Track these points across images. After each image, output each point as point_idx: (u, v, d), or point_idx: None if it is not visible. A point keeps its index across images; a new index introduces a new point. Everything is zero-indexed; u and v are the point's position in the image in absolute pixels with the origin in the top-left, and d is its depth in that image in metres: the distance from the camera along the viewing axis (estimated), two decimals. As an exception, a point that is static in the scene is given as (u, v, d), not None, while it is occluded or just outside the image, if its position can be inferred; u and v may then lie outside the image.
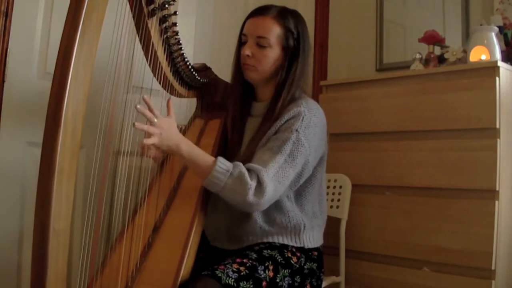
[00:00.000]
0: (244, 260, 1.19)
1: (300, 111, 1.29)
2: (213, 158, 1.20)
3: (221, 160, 1.18)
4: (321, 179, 1.41)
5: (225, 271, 1.11)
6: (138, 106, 1.08)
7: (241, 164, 1.20)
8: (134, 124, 1.06)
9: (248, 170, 1.19)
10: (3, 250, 1.48)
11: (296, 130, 1.26)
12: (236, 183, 1.17)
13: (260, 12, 1.36)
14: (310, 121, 1.29)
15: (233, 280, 1.10)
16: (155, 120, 1.13)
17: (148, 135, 1.13)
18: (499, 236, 1.58)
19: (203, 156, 1.20)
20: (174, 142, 1.17)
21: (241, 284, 1.11)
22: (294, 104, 1.32)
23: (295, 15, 1.38)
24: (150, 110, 1.13)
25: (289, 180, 1.25)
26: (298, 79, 1.36)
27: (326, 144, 1.39)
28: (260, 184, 1.18)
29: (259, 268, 1.19)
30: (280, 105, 1.32)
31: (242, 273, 1.14)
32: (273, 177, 1.20)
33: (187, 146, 1.19)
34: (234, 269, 1.14)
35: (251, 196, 1.17)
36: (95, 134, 1.05)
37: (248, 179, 1.17)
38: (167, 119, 1.18)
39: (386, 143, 1.87)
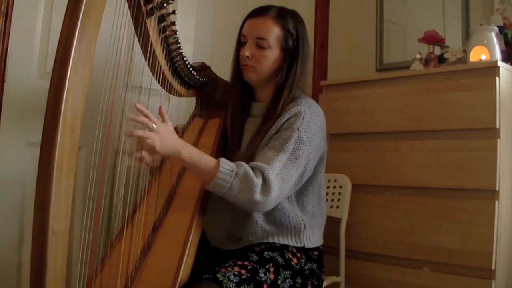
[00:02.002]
0: (245, 263, 1.19)
1: (300, 110, 1.29)
2: (215, 160, 1.18)
3: (224, 161, 1.17)
4: (321, 179, 1.41)
5: (227, 275, 1.11)
6: (130, 116, 1.07)
7: (244, 163, 1.19)
8: (131, 133, 1.04)
9: (252, 168, 1.18)
10: (3, 250, 1.48)
11: (298, 129, 1.26)
12: (242, 183, 1.15)
13: (259, 13, 1.36)
14: (310, 120, 1.29)
15: (234, 284, 1.10)
16: (154, 126, 1.10)
17: (145, 140, 1.09)
18: (499, 236, 1.57)
19: (205, 159, 1.18)
20: (174, 148, 1.14)
21: (242, 287, 1.11)
22: (294, 103, 1.32)
23: (294, 15, 1.38)
24: (146, 116, 1.10)
25: (293, 179, 1.24)
26: (298, 80, 1.36)
27: (326, 144, 1.39)
28: (265, 181, 1.17)
29: (260, 270, 1.19)
30: (281, 106, 1.32)
31: (243, 277, 1.13)
32: (278, 175, 1.19)
33: (188, 150, 1.17)
34: (235, 273, 1.13)
35: (258, 195, 1.15)
36: (94, 134, 1.05)
37: (254, 177, 1.16)
38: (165, 125, 1.15)
39: (386, 143, 1.87)
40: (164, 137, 1.12)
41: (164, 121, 1.20)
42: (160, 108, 1.21)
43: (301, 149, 1.25)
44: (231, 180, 1.15)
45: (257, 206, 1.18)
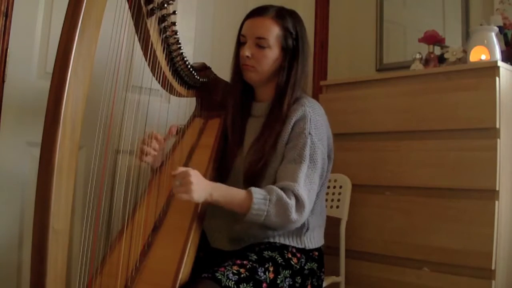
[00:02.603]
0: (244, 262, 1.19)
1: (305, 112, 1.30)
2: (245, 192, 1.19)
3: (255, 191, 1.19)
4: (325, 179, 1.42)
5: (225, 274, 1.11)
6: (173, 173, 1.11)
7: (274, 187, 1.21)
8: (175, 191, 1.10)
9: (283, 189, 1.21)
10: (3, 250, 1.48)
11: (309, 133, 1.28)
12: (277, 208, 1.18)
13: (258, 12, 1.36)
14: (317, 121, 1.31)
15: (233, 282, 1.10)
16: (190, 178, 1.11)
17: (183, 190, 1.11)
18: (499, 236, 1.57)
19: (236, 193, 1.20)
20: (207, 192, 1.16)
21: (241, 286, 1.11)
22: (298, 104, 1.33)
23: (293, 15, 1.39)
24: (182, 175, 1.12)
25: (316, 184, 1.28)
26: (300, 80, 1.36)
27: (331, 141, 1.40)
28: (298, 200, 1.20)
29: (259, 269, 1.19)
30: (286, 107, 1.33)
31: (242, 275, 1.14)
32: (304, 187, 1.23)
33: (219, 190, 1.19)
34: (234, 271, 1.13)
35: (294, 215, 1.19)
36: (94, 134, 1.05)
37: (287, 199, 1.19)
38: (195, 171, 1.15)
39: (386, 143, 1.87)
40: (196, 186, 1.12)
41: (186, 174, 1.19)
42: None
43: (317, 153, 1.28)
44: (266, 208, 1.18)
45: (294, 224, 1.23)
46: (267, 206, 1.17)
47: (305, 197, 1.21)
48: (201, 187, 1.14)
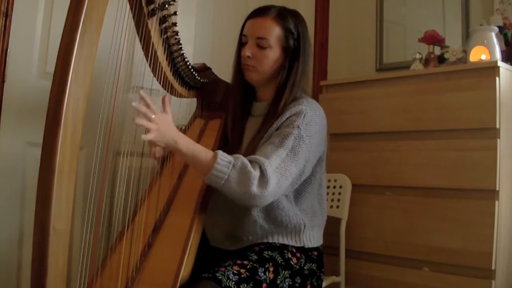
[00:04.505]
0: (245, 262, 1.19)
1: (302, 109, 1.29)
2: (212, 152, 1.17)
3: (221, 153, 1.16)
4: (321, 179, 1.41)
5: (226, 274, 1.11)
6: (134, 103, 1.07)
7: (241, 156, 1.18)
8: (133, 119, 1.05)
9: (250, 161, 1.18)
10: (3, 250, 1.48)
11: (298, 127, 1.26)
12: (239, 174, 1.14)
13: (260, 12, 1.36)
14: (311, 119, 1.29)
15: (233, 282, 1.10)
16: (152, 116, 1.11)
17: (147, 130, 1.11)
18: (499, 236, 1.58)
19: (202, 151, 1.18)
20: (172, 138, 1.14)
21: (241, 286, 1.11)
22: (296, 102, 1.32)
23: (295, 15, 1.38)
24: (147, 106, 1.11)
25: (292, 175, 1.23)
26: (300, 80, 1.36)
27: (326, 144, 1.39)
28: (263, 174, 1.16)
29: (259, 270, 1.19)
30: (282, 105, 1.32)
31: (242, 275, 1.14)
32: (276, 169, 1.18)
33: (185, 141, 1.17)
34: (235, 271, 1.13)
35: (255, 187, 1.14)
36: (95, 134, 1.05)
37: (252, 169, 1.15)
38: (164, 115, 1.17)
39: (386, 143, 1.87)
40: (162, 127, 1.12)
41: (165, 111, 1.21)
42: (163, 98, 1.22)
43: (301, 147, 1.25)
44: (228, 172, 1.14)
45: (254, 199, 1.16)
46: (229, 169, 1.14)
47: (273, 176, 1.16)
48: (167, 130, 1.13)
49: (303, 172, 1.28)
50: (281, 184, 1.21)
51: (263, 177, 1.16)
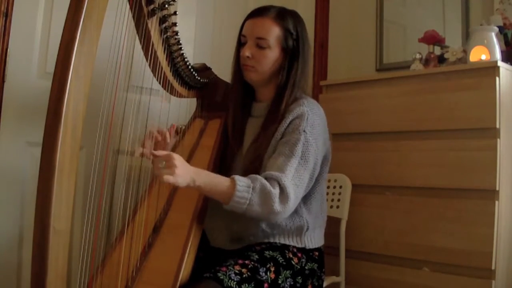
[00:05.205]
0: (246, 262, 1.19)
1: (303, 111, 1.29)
2: (229, 179, 1.17)
3: (239, 178, 1.17)
4: (325, 179, 1.42)
5: (227, 274, 1.11)
6: (153, 152, 1.09)
7: (258, 176, 1.19)
8: (155, 173, 1.08)
9: (267, 178, 1.19)
10: (3, 250, 1.48)
11: (304, 131, 1.27)
12: (260, 196, 1.16)
13: (259, 13, 1.36)
14: (314, 121, 1.30)
15: (235, 282, 1.10)
16: (175, 163, 1.09)
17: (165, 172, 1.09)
18: (499, 236, 1.57)
19: (219, 181, 1.17)
20: (189, 178, 1.13)
21: (243, 286, 1.11)
22: (296, 104, 1.32)
23: (294, 15, 1.39)
24: (165, 157, 1.10)
25: (305, 182, 1.26)
26: (299, 80, 1.36)
27: (329, 143, 1.40)
28: (282, 190, 1.18)
29: (260, 270, 1.19)
30: (284, 107, 1.33)
31: (244, 275, 1.14)
32: (291, 181, 1.20)
33: (201, 177, 1.15)
34: (236, 271, 1.13)
35: (277, 205, 1.16)
36: (95, 134, 1.05)
37: (271, 188, 1.17)
38: (177, 155, 1.13)
39: (386, 143, 1.87)
40: (180, 171, 1.10)
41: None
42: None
43: (309, 151, 1.26)
44: (249, 196, 1.15)
45: (277, 215, 1.20)
46: (250, 194, 1.15)
47: (291, 190, 1.19)
48: (185, 171, 1.12)
49: (314, 174, 1.30)
50: (298, 194, 1.24)
51: (283, 193, 1.18)
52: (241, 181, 1.16)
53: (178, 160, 1.11)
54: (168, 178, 1.08)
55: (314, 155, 1.28)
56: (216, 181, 1.17)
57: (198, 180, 1.14)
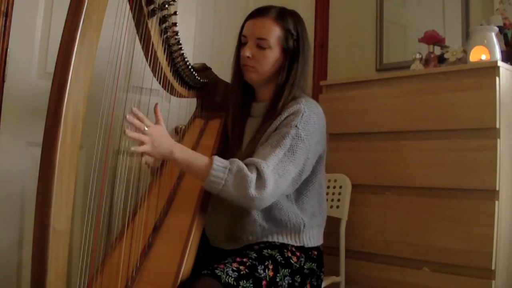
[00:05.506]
0: (244, 259, 1.19)
1: (300, 108, 1.29)
2: (208, 158, 1.18)
3: (217, 159, 1.17)
4: (321, 178, 1.41)
5: (225, 270, 1.11)
6: (127, 116, 1.08)
7: (237, 159, 1.19)
8: (124, 131, 1.05)
9: (247, 164, 1.18)
10: (3, 250, 1.48)
11: (296, 126, 1.26)
12: (236, 178, 1.15)
13: (259, 13, 1.36)
14: (309, 118, 1.29)
15: (233, 279, 1.10)
16: (146, 128, 1.11)
17: (140, 143, 1.11)
18: (499, 236, 1.57)
19: (198, 158, 1.18)
20: (167, 149, 1.15)
21: (241, 283, 1.11)
22: (294, 102, 1.33)
23: (294, 16, 1.39)
24: (140, 119, 1.11)
25: (290, 175, 1.24)
26: (299, 80, 1.36)
27: (325, 143, 1.39)
28: (260, 176, 1.16)
29: (259, 267, 1.19)
30: (281, 105, 1.33)
31: (242, 272, 1.14)
32: (273, 170, 1.19)
33: (180, 151, 1.17)
34: (234, 268, 1.14)
35: (252, 190, 1.15)
36: (95, 134, 1.05)
37: (248, 172, 1.16)
38: (158, 127, 1.16)
39: (386, 143, 1.87)
40: (156, 139, 1.12)
41: (157, 121, 1.20)
42: (155, 106, 1.22)
43: (299, 146, 1.25)
44: (224, 177, 1.15)
45: (253, 201, 1.17)
46: (226, 174, 1.14)
47: (270, 177, 1.17)
48: (161, 141, 1.13)
49: (303, 171, 1.28)
50: (280, 184, 1.21)
51: (260, 179, 1.16)
52: (219, 161, 1.16)
53: (156, 129, 1.12)
54: (136, 148, 1.09)
55: (304, 151, 1.26)
56: (196, 158, 1.18)
57: (177, 153, 1.16)
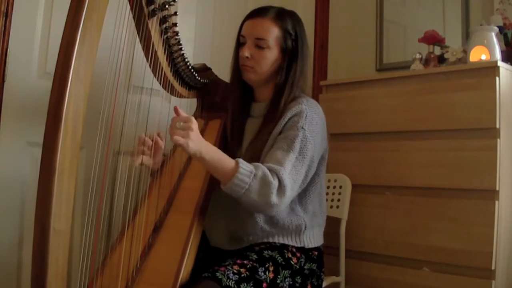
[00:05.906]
0: (245, 261, 1.19)
1: (302, 108, 1.30)
2: (233, 161, 1.17)
3: (243, 162, 1.17)
4: (322, 178, 1.41)
5: (226, 273, 1.11)
6: (175, 118, 1.10)
7: (261, 164, 1.19)
8: (169, 133, 1.07)
9: (268, 169, 1.18)
10: (3, 250, 1.48)
11: (302, 128, 1.27)
12: (261, 184, 1.15)
13: (258, 13, 1.36)
14: (312, 119, 1.30)
15: (233, 282, 1.10)
16: (192, 126, 1.11)
17: (181, 136, 1.10)
18: (499, 236, 1.58)
19: (225, 160, 1.17)
20: (200, 148, 1.13)
21: (241, 286, 1.11)
22: (295, 102, 1.33)
23: (293, 16, 1.39)
24: (185, 119, 1.12)
25: (301, 178, 1.25)
26: (298, 80, 1.36)
27: (327, 143, 1.40)
28: (280, 183, 1.17)
29: (259, 269, 1.19)
30: (282, 106, 1.33)
31: (242, 275, 1.14)
32: (289, 175, 1.20)
33: (210, 151, 1.16)
34: (235, 271, 1.14)
35: (274, 197, 1.16)
36: (95, 134, 1.05)
37: (271, 178, 1.16)
38: (196, 123, 1.15)
39: (386, 143, 1.87)
40: (194, 136, 1.11)
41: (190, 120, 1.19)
42: (175, 108, 1.20)
43: (307, 148, 1.26)
44: (249, 182, 1.14)
45: (272, 208, 1.18)
46: (250, 179, 1.14)
47: (288, 184, 1.18)
48: (198, 140, 1.12)
49: (309, 171, 1.29)
50: (294, 190, 1.23)
51: (281, 186, 1.17)
52: (245, 165, 1.16)
53: (195, 126, 1.12)
54: (178, 139, 1.09)
55: (311, 152, 1.27)
56: (222, 159, 1.17)
57: (205, 153, 1.14)
